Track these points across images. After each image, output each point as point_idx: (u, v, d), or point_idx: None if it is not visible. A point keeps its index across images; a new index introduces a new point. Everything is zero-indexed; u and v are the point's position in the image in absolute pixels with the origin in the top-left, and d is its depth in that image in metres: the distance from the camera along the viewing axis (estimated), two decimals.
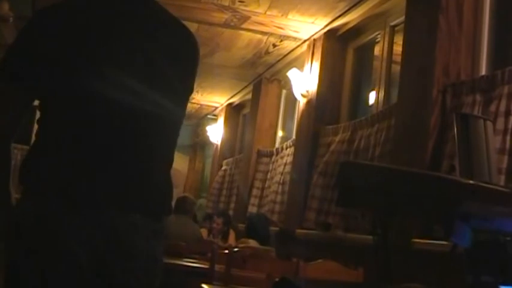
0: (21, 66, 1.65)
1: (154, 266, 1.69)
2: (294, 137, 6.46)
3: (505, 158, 3.11)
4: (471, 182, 1.16)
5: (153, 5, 1.81)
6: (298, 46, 6.56)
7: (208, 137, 10.23)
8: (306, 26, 5.93)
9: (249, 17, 5.89)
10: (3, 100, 1.67)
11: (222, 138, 9.85)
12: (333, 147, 5.22)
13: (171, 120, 1.78)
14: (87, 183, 1.60)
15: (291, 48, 6.72)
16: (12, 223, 1.61)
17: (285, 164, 6.44)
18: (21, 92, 1.66)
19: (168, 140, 1.78)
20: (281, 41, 6.50)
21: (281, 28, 6.09)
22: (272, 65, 7.43)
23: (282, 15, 5.73)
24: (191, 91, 1.87)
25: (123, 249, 1.61)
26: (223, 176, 9.05)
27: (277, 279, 1.13)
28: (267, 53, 6.97)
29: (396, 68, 4.69)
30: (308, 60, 6.17)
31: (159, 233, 1.72)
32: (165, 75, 1.73)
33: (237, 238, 6.48)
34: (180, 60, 1.79)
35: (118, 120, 1.65)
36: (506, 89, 3.24)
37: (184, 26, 1.87)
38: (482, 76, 3.60)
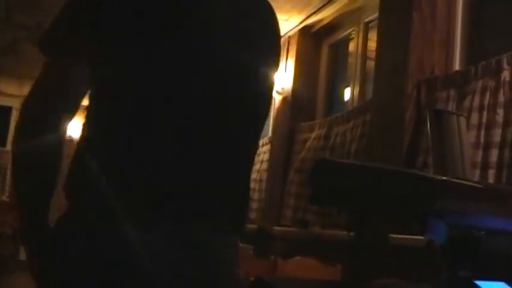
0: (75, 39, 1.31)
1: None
2: (270, 134, 6.45)
3: (479, 152, 3.12)
4: (444, 178, 1.16)
5: None
6: None
7: None
8: (281, 24, 5.89)
9: None
10: (57, 70, 1.32)
11: None
12: (309, 143, 5.22)
13: (259, 109, 1.45)
14: (165, 197, 1.25)
15: None
16: (59, 251, 1.27)
17: (262, 162, 6.43)
18: (78, 65, 1.31)
19: (255, 132, 1.44)
20: None
21: None
22: None
23: None
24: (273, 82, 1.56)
25: (212, 272, 1.30)
26: None
27: (252, 279, 1.12)
28: None
29: (371, 64, 4.70)
30: (283, 57, 6.17)
31: (238, 250, 1.40)
32: (254, 61, 1.45)
33: None
34: (268, 41, 1.55)
35: (199, 112, 1.30)
36: (479, 84, 3.26)
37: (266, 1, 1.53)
38: (456, 71, 3.62)
